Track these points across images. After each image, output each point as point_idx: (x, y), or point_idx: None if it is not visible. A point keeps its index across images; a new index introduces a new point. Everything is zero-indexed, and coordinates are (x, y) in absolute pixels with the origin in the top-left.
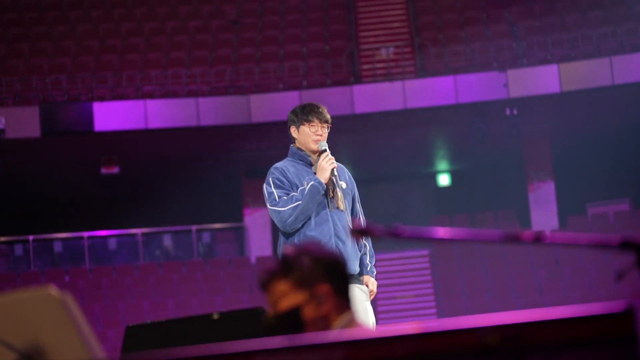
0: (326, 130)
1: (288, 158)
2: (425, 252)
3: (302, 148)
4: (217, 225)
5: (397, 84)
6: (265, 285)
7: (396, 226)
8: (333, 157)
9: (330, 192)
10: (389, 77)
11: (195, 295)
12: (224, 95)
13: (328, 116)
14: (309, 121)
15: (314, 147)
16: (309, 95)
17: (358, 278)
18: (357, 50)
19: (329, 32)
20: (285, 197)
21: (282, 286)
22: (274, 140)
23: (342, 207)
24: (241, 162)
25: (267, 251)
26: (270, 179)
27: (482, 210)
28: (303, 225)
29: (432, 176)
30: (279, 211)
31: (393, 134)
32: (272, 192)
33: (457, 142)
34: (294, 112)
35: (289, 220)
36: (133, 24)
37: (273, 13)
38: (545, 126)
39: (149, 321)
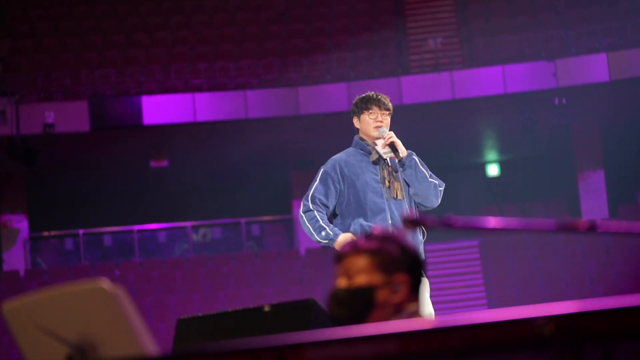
0: (387, 118)
1: (350, 147)
2: (475, 242)
3: (365, 137)
4: (266, 218)
5: (445, 75)
6: (345, 256)
7: (449, 216)
8: (392, 134)
9: (387, 182)
10: (437, 67)
11: (245, 288)
12: (272, 87)
13: (388, 104)
14: (368, 109)
15: (375, 133)
16: (357, 87)
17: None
18: (405, 41)
19: (376, 23)
20: (316, 213)
21: (362, 262)
22: (322, 132)
23: (400, 196)
24: (290, 154)
25: (316, 243)
26: (321, 171)
27: (531, 200)
28: (359, 214)
29: (481, 166)
30: (302, 209)
31: (441, 124)
32: (314, 183)
33: (506, 132)
34: (354, 102)
35: (300, 220)
36: (182, 17)
37: (321, 5)
38: (594, 115)
39: (200, 314)
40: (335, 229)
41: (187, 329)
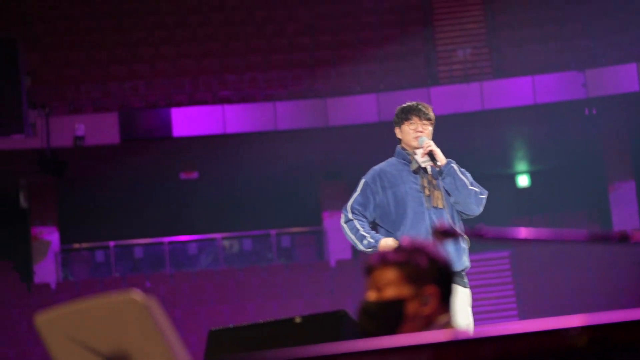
0: (428, 127)
1: (392, 157)
2: (505, 253)
3: (406, 147)
4: (296, 229)
5: (475, 85)
6: (373, 269)
7: (480, 227)
8: (431, 142)
9: (427, 191)
10: (466, 78)
11: (275, 300)
12: (301, 99)
13: (429, 113)
14: (407, 119)
15: (415, 143)
16: (386, 98)
17: (460, 276)
18: (434, 52)
19: (405, 34)
20: (356, 222)
21: (391, 275)
22: (351, 143)
23: (440, 205)
24: (319, 166)
25: (347, 254)
26: (362, 181)
27: (562, 211)
28: (400, 223)
29: (511, 177)
30: (343, 219)
31: (471, 135)
32: (354, 194)
33: (535, 143)
34: (396, 113)
35: (342, 229)
36: (210, 29)
37: (349, 16)
38: (624, 125)
39: (231, 325)
40: (377, 235)
41: (218, 340)
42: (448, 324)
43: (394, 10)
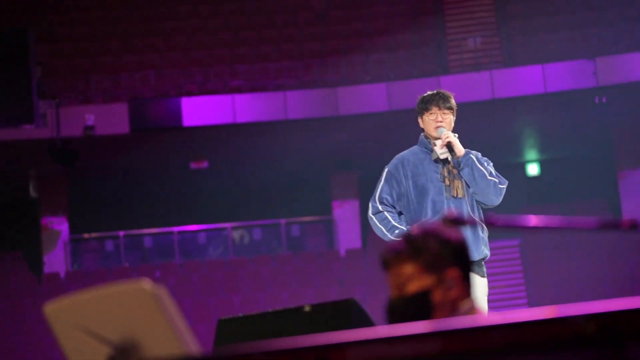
0: (449, 116)
1: (415, 145)
2: (515, 242)
3: (428, 136)
4: (306, 219)
5: (485, 74)
6: (390, 265)
7: (490, 215)
8: (450, 134)
9: (447, 181)
10: (476, 67)
11: (285, 289)
12: (312, 88)
13: (450, 102)
14: (427, 110)
15: (435, 133)
16: (397, 87)
17: (479, 265)
18: (445, 41)
19: (415, 23)
20: (387, 213)
21: (409, 268)
22: (362, 133)
23: (460, 194)
24: (329, 155)
25: (357, 243)
26: (385, 170)
27: (572, 199)
28: (421, 212)
29: (521, 166)
30: (371, 210)
31: (481, 124)
32: (379, 184)
33: (546, 132)
34: (417, 103)
35: (370, 221)
36: (221, 19)
37: (360, 5)
38: (634, 114)
39: (240, 314)
40: (408, 226)
41: (227, 329)
42: (473, 309)
43: (404, 0)
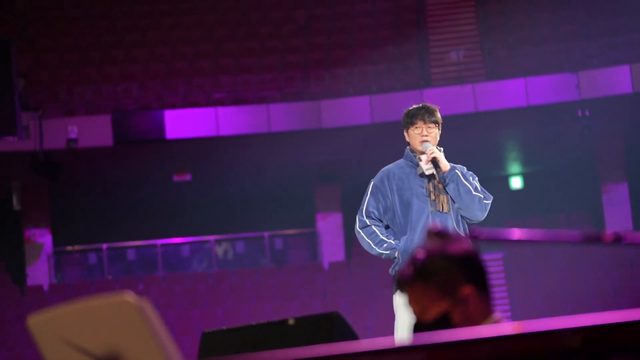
0: (434, 130)
1: (401, 159)
2: (499, 255)
3: (414, 150)
4: (289, 232)
5: (468, 87)
6: (406, 292)
7: (473, 228)
8: (435, 149)
9: (432, 195)
10: (459, 80)
11: (269, 302)
12: (295, 101)
13: (435, 116)
14: (412, 124)
15: (421, 148)
16: (380, 100)
17: None
18: (427, 54)
19: (398, 36)
20: (374, 227)
21: (423, 294)
22: (345, 145)
23: (445, 209)
24: (312, 168)
25: (340, 256)
26: (371, 184)
27: (555, 212)
28: (406, 227)
29: (504, 179)
30: (358, 225)
31: (464, 137)
32: (365, 198)
33: (528, 145)
34: (402, 117)
35: (357, 235)
36: (203, 31)
37: (343, 18)
38: (618, 127)
39: (224, 327)
40: (396, 241)
41: (211, 342)
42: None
43: (387, 13)
